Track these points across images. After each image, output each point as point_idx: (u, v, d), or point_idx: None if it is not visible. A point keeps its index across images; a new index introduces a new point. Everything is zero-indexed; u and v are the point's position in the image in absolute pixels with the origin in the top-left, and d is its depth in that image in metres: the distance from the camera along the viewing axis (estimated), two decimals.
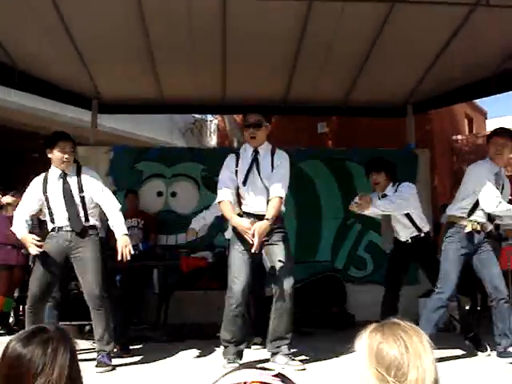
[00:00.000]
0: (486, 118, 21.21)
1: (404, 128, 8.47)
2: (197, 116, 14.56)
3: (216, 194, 7.32)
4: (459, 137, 16.46)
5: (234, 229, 4.76)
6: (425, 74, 6.92)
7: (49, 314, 5.47)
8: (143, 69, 6.78)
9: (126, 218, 7.13)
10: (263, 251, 4.71)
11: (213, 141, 15.92)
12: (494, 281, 4.82)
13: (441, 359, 4.60)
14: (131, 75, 7.01)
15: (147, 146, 10.49)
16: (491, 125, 20.01)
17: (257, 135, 4.81)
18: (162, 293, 6.38)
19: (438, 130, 14.46)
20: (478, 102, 18.17)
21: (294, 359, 4.61)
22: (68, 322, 5.55)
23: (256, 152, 4.82)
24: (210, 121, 15.72)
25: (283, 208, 4.82)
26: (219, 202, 4.78)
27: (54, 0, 5.27)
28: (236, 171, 4.80)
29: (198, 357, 5.15)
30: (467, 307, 7.16)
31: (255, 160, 4.78)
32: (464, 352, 5.17)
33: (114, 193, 7.46)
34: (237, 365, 4.42)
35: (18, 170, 10.25)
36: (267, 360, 4.72)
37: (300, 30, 5.86)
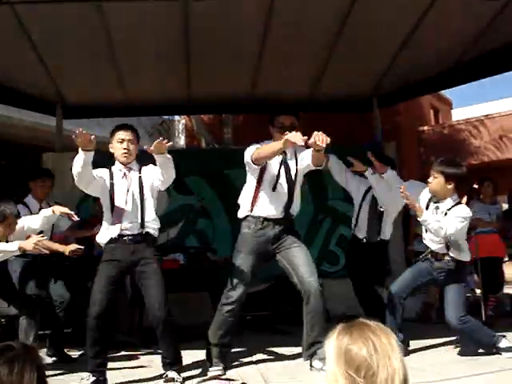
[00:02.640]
0: (452, 108, 21.50)
1: (371, 122, 8.52)
2: (164, 116, 14.48)
3: (185, 195, 7.32)
4: (426, 128, 16.65)
5: (242, 232, 4.71)
6: (388, 66, 6.95)
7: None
8: (106, 71, 6.71)
9: (95, 223, 7.09)
10: (279, 256, 4.64)
11: (181, 141, 15.85)
12: (445, 307, 4.81)
13: (413, 350, 4.69)
14: (95, 78, 6.93)
15: None
16: (457, 114, 20.31)
17: None
18: (136, 297, 6.32)
19: (405, 121, 14.62)
20: (443, 92, 18.39)
21: None
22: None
23: (284, 153, 4.65)
24: (178, 121, 15.64)
25: (297, 210, 4.74)
26: (255, 152, 4.52)
27: (12, 5, 5.18)
28: (262, 169, 4.64)
29: None
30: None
31: (284, 161, 4.66)
32: (436, 342, 5.26)
33: (83, 200, 7.42)
34: (220, 367, 4.42)
35: None
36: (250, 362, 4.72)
37: (263, 24, 5.83)
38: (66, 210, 4.65)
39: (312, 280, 4.50)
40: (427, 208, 4.87)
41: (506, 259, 7.46)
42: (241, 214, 4.76)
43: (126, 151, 4.48)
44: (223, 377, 4.21)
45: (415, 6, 5.60)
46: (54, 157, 7.69)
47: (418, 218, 4.69)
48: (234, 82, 7.33)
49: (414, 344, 5.04)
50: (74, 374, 4.53)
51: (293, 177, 4.67)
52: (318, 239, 7.80)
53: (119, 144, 4.50)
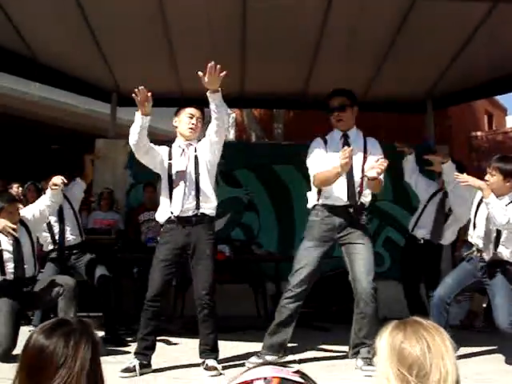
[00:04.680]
0: (506, 115, 21.03)
1: (424, 124, 8.41)
2: None
3: (233, 187, 7.33)
4: (478, 133, 16.34)
5: (310, 219, 4.65)
6: (445, 70, 6.86)
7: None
8: (162, 61, 6.79)
9: (143, 210, 7.21)
10: (343, 249, 4.58)
11: (231, 134, 15.90)
12: (494, 311, 4.68)
13: (458, 357, 4.59)
14: (150, 68, 7.01)
15: (166, 139, 10.49)
16: (511, 121, 19.84)
17: (343, 117, 4.61)
18: (180, 285, 6.40)
19: (458, 126, 14.35)
20: (497, 98, 18.01)
21: (370, 364, 4.18)
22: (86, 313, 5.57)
23: (345, 136, 4.61)
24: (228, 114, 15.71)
25: (369, 198, 4.64)
26: (315, 180, 4.52)
27: None
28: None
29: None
30: (484, 305, 7.13)
31: (346, 144, 4.50)
32: (482, 350, 5.16)
33: (133, 186, 7.55)
34: (258, 361, 4.36)
35: (39, 162, 10.35)
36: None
37: (319, 26, 5.83)
38: (55, 180, 4.81)
39: (365, 282, 4.40)
40: (479, 206, 4.78)
41: None
42: (309, 204, 4.69)
43: (193, 126, 4.49)
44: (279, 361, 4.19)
45: (473, 12, 5.52)
46: (107, 143, 7.84)
47: (484, 199, 4.50)
48: (287, 78, 7.32)
49: (459, 351, 4.95)
50: (125, 356, 4.63)
51: (358, 162, 4.50)
52: None
53: (188, 119, 4.51)
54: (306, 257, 4.53)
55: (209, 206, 4.45)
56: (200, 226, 4.40)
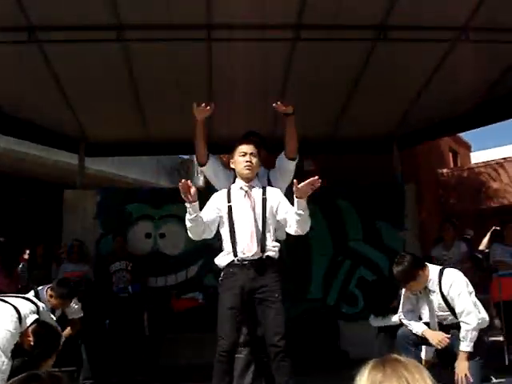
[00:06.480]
0: (471, 151, 21.42)
1: (391, 163, 8.51)
2: (184, 156, 14.59)
3: None
4: (444, 170, 16.60)
5: None
6: (408, 109, 7.00)
7: None
8: (129, 110, 6.81)
9: (114, 260, 7.12)
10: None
11: (200, 181, 15.93)
12: None
13: None
14: (118, 117, 7.03)
15: (135, 188, 10.46)
16: (475, 158, 20.23)
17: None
18: (153, 335, 6.30)
19: (424, 164, 14.57)
20: (461, 135, 18.35)
21: None
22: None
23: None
24: None
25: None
26: None
27: (40, 44, 5.31)
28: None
29: None
30: None
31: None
32: None
33: (102, 236, 7.45)
34: None
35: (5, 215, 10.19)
36: None
37: (284, 68, 5.93)
38: None
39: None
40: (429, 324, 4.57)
41: None
42: None
43: (248, 164, 4.20)
44: None
45: (433, 51, 5.67)
46: (76, 194, 7.76)
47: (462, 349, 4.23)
48: (254, 123, 7.36)
49: None
50: None
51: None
52: (337, 280, 7.72)
53: (241, 157, 4.24)
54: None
55: (274, 249, 4.18)
56: (265, 270, 4.10)
